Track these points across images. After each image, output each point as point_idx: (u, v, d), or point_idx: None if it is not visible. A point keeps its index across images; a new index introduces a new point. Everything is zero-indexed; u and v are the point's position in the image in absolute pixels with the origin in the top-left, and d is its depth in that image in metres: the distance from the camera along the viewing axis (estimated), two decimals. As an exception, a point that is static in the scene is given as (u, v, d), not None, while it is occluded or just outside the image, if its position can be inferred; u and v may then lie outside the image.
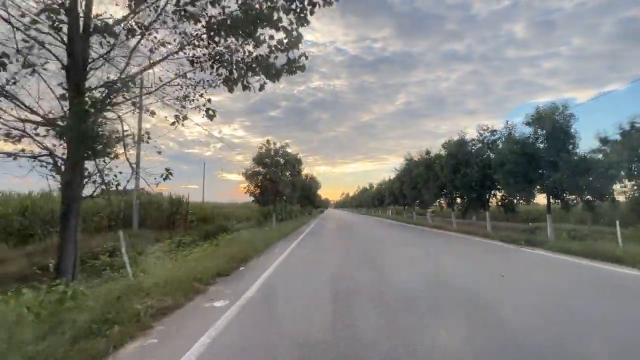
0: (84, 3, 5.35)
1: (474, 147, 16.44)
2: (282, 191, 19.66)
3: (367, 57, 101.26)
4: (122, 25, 5.60)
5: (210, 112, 6.37)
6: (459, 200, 18.69)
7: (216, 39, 5.84)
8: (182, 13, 5.65)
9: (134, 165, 6.52)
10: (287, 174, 20.60)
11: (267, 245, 11.18)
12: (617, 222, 9.26)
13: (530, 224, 20.54)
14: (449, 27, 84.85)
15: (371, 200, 52.66)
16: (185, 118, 6.58)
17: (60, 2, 5.06)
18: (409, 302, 4.56)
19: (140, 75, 6.46)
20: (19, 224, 11.05)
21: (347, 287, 5.44)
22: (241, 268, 7.34)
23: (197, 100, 6.58)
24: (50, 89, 5.38)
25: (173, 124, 6.53)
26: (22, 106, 5.08)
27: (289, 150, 20.79)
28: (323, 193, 76.15)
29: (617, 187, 11.24)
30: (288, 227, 18.56)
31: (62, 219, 5.30)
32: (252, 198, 19.68)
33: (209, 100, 6.52)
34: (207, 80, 6.49)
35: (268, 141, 19.49)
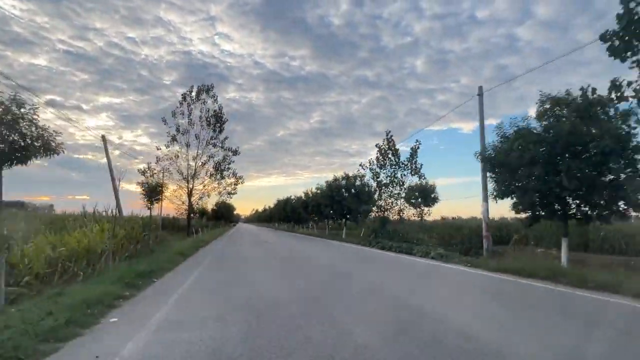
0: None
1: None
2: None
3: (284, 74, 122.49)
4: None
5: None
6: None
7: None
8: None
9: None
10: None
11: (223, 232, 33.28)
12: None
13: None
14: (362, 54, 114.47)
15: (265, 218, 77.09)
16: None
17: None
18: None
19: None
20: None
21: (249, 233, 28.46)
22: (218, 237, 29.45)
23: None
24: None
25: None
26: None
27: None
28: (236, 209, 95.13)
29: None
30: (219, 230, 40.28)
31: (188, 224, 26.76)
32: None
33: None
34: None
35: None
